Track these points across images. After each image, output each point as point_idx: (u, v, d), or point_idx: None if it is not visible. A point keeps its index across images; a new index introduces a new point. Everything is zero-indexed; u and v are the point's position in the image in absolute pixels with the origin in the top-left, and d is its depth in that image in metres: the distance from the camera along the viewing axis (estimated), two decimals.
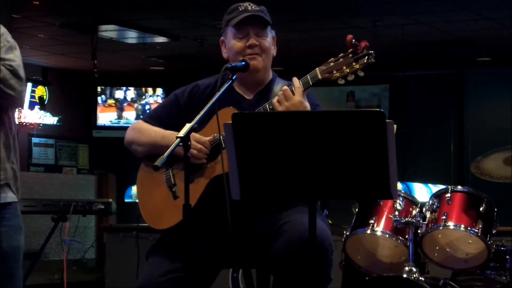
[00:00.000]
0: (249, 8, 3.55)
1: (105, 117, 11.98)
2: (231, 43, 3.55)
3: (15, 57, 3.30)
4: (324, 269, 3.32)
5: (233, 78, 3.42)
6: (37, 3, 8.24)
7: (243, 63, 3.48)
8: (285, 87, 3.38)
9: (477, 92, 11.36)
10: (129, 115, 11.95)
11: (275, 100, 3.38)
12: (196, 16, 8.79)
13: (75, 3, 8.48)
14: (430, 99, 11.50)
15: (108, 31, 9.52)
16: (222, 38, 3.64)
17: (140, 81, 11.98)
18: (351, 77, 3.33)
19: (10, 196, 3.30)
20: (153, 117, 3.68)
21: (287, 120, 2.95)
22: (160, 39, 9.84)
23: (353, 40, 3.32)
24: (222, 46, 3.64)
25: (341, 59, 3.33)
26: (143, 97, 12.06)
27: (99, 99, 11.96)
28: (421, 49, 10.18)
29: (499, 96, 11.16)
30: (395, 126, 2.88)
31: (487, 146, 5.78)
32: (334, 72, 3.33)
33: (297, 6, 8.38)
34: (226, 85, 3.38)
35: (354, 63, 3.30)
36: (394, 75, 11.27)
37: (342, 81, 3.35)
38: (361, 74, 3.32)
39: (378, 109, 2.88)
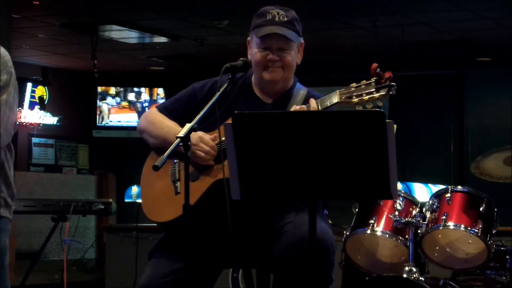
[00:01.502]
0: (277, 18, 3.49)
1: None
2: (254, 51, 3.52)
3: None
4: (325, 269, 3.32)
5: (233, 78, 3.42)
6: (37, 3, 8.24)
7: (242, 63, 3.48)
8: (303, 106, 3.36)
9: (477, 92, 11.36)
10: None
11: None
12: (196, 16, 8.78)
13: (75, 3, 8.48)
14: (430, 99, 11.50)
15: (108, 31, 9.52)
16: (248, 38, 3.60)
17: (140, 81, 11.98)
18: (369, 105, 3.29)
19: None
20: (168, 108, 3.65)
21: (288, 120, 2.95)
22: (160, 39, 9.84)
23: (378, 69, 3.27)
24: (248, 46, 3.60)
25: (362, 86, 3.29)
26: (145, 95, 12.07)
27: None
28: (421, 49, 10.18)
29: (499, 96, 11.17)
30: (395, 126, 2.88)
31: (487, 146, 5.79)
32: (354, 97, 3.30)
33: (296, 6, 8.36)
34: (225, 86, 3.38)
35: (374, 92, 3.26)
36: (394, 75, 11.24)
37: (360, 108, 3.32)
38: (380, 104, 3.29)
39: (378, 109, 2.88)
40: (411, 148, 10.97)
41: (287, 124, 2.92)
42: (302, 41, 3.60)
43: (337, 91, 3.34)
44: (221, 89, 3.36)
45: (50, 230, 5.85)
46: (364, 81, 3.29)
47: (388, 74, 3.27)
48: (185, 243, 3.36)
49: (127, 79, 12.03)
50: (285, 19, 3.51)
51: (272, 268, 3.44)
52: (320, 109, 3.34)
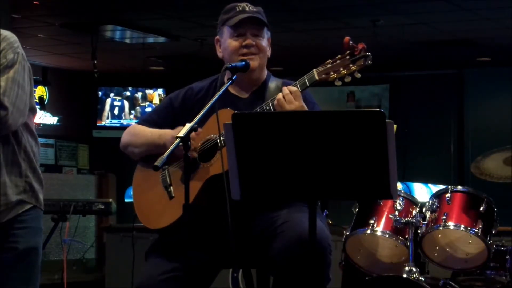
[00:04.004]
0: (247, 9, 3.56)
1: None
2: (227, 42, 3.56)
3: (2, 81, 3.17)
4: (323, 268, 3.32)
5: (233, 78, 3.42)
6: (37, 3, 8.24)
7: (243, 63, 3.48)
8: (286, 90, 3.37)
9: (477, 92, 11.36)
10: None
11: (275, 102, 3.38)
12: (196, 16, 8.79)
13: (75, 3, 8.48)
14: (430, 99, 11.50)
15: (108, 31, 9.52)
16: (217, 37, 3.64)
17: (140, 81, 11.98)
18: (348, 79, 3.34)
19: (27, 206, 3.32)
20: (148, 121, 3.68)
21: (288, 120, 2.95)
22: (160, 39, 9.84)
23: (351, 42, 3.33)
24: (217, 45, 3.65)
25: (338, 61, 3.34)
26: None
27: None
28: (421, 49, 10.18)
29: (499, 96, 11.17)
30: (395, 126, 2.88)
31: (487, 146, 5.79)
32: (331, 73, 3.34)
33: (296, 6, 8.38)
34: (226, 85, 3.38)
35: (351, 65, 3.32)
36: (394, 75, 11.27)
37: (339, 83, 3.36)
38: (358, 75, 3.33)
39: (378, 109, 2.88)
40: (411, 148, 10.97)
41: (287, 124, 2.92)
42: (270, 35, 3.63)
43: (314, 70, 3.39)
44: (222, 89, 3.36)
45: (50, 230, 5.85)
46: (339, 56, 3.33)
47: (361, 45, 3.33)
48: (182, 243, 3.36)
49: (127, 79, 12.03)
50: (255, 9, 3.58)
51: (270, 268, 3.44)
52: (300, 89, 3.38)
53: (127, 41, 10.00)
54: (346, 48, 3.34)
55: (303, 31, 9.40)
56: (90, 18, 8.96)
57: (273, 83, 3.59)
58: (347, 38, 3.34)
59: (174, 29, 9.45)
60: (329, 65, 3.36)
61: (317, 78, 3.37)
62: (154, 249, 3.52)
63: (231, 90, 3.59)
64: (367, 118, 2.87)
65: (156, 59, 11.09)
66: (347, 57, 3.33)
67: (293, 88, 3.37)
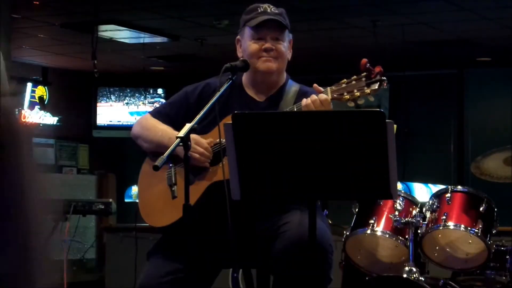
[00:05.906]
0: (269, 10, 3.53)
1: None
2: (247, 44, 3.54)
3: None
4: (324, 269, 3.33)
5: (233, 78, 3.42)
6: (37, 3, 8.24)
7: (242, 63, 3.48)
8: (325, 97, 3.34)
9: (477, 92, 11.36)
10: None
11: (305, 104, 3.33)
12: (196, 16, 8.79)
13: (75, 3, 8.48)
14: (430, 99, 11.50)
15: (108, 31, 9.52)
16: (238, 37, 3.62)
17: (140, 81, 11.98)
18: (361, 101, 3.30)
19: None
20: (161, 113, 3.67)
21: (287, 120, 2.95)
22: (160, 39, 9.84)
23: (368, 64, 3.27)
24: (237, 45, 3.62)
25: (353, 82, 3.30)
26: None
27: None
28: (421, 49, 10.18)
29: (499, 96, 11.16)
30: (395, 126, 2.88)
31: (487, 146, 5.78)
32: (345, 94, 3.31)
33: (297, 6, 8.37)
34: (225, 86, 3.38)
35: (365, 88, 3.27)
36: (394, 75, 11.26)
37: (351, 104, 3.32)
38: (372, 99, 3.30)
39: (378, 109, 2.88)
40: (411, 148, 10.96)
41: (287, 124, 2.92)
42: (291, 37, 3.61)
43: (328, 88, 3.35)
44: (222, 89, 3.36)
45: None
46: (355, 76, 3.30)
47: (378, 69, 3.27)
48: (184, 244, 3.36)
49: (127, 79, 12.03)
50: (277, 11, 3.56)
51: (271, 268, 3.44)
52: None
53: (127, 41, 9.99)
54: (363, 69, 3.28)
55: (303, 31, 9.39)
56: (90, 18, 8.96)
57: (290, 89, 3.57)
58: (364, 60, 3.28)
59: (174, 29, 9.45)
60: (343, 85, 3.32)
61: (330, 97, 3.34)
62: (156, 249, 3.52)
63: (248, 91, 3.58)
64: (367, 118, 2.87)
65: (156, 59, 11.09)
66: (363, 79, 3.27)
67: (323, 96, 3.34)
